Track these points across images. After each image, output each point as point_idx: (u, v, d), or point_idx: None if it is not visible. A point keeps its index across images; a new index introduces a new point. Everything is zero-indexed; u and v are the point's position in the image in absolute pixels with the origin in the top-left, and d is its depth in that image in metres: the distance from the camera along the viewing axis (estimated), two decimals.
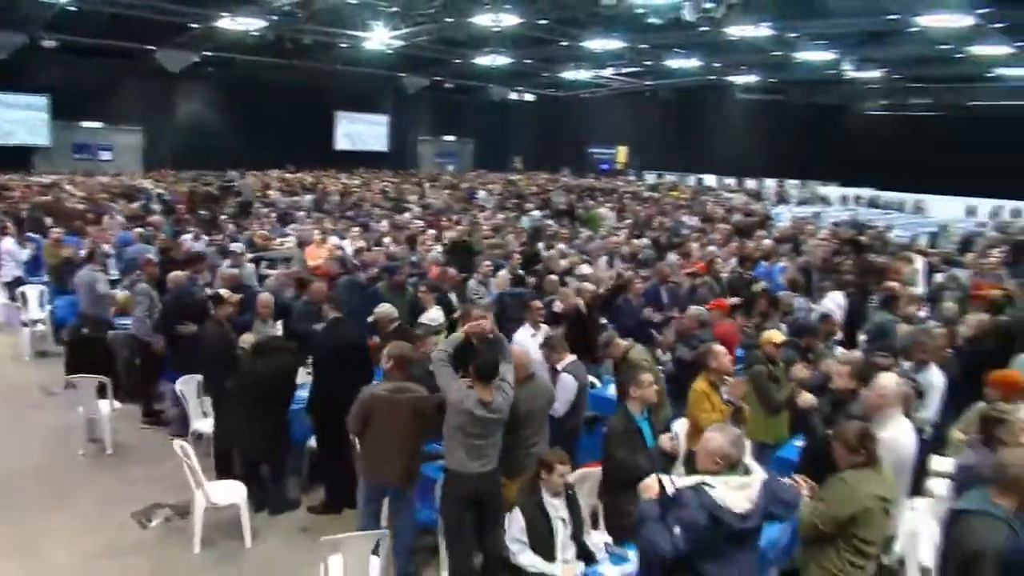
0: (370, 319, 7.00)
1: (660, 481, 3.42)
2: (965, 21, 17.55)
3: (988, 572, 2.89)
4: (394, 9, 22.11)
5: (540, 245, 12.64)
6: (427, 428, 5.37)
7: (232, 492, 5.71)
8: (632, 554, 4.26)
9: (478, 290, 9.22)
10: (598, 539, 4.92)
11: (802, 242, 14.08)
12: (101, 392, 7.12)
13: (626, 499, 4.68)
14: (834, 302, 9.12)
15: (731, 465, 3.50)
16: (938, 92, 30.52)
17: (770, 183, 32.85)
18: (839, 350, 7.31)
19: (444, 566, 5.28)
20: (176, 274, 7.91)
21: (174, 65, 26.69)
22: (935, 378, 6.10)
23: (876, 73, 28.64)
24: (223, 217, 14.40)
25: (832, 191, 31.34)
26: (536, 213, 18.42)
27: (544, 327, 7.28)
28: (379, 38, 24.26)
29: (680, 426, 5.82)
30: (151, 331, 7.75)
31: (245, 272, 9.21)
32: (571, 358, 6.12)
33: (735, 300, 8.65)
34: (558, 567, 4.54)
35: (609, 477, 4.97)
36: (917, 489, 5.26)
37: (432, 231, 13.44)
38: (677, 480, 3.46)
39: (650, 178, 37.08)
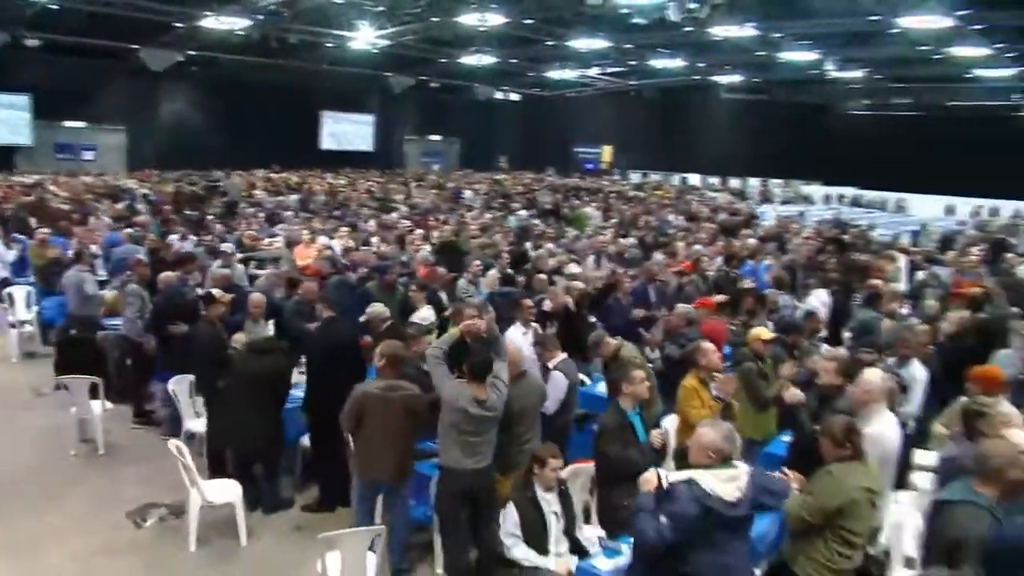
0: (362, 319, 7.05)
1: (658, 475, 3.54)
2: (945, 23, 17.82)
3: (972, 559, 2.99)
4: (380, 8, 22.12)
5: (528, 245, 12.71)
6: (419, 426, 5.45)
7: (227, 491, 5.74)
8: (625, 547, 4.34)
9: (468, 289, 9.28)
10: (591, 534, 5.01)
11: (787, 241, 14.25)
12: (93, 392, 7.11)
13: (619, 493, 4.80)
14: (819, 300, 9.28)
15: (723, 459, 3.62)
16: (919, 92, 30.93)
17: (754, 182, 33.12)
18: (824, 347, 7.44)
19: (439, 562, 5.37)
20: (167, 274, 7.91)
21: (158, 64, 26.56)
22: (918, 373, 6.25)
23: (858, 73, 28.99)
24: (210, 217, 14.36)
25: (815, 190, 31.64)
26: (523, 213, 18.50)
27: (535, 326, 7.36)
28: (365, 37, 24.26)
29: (670, 422, 5.92)
30: (142, 331, 7.75)
31: (236, 272, 9.21)
32: (562, 356, 6.21)
33: (722, 298, 8.77)
34: (551, 561, 4.62)
35: (602, 472, 5.07)
36: (901, 482, 5.38)
37: (420, 231, 13.48)
38: (671, 475, 3.57)
39: (635, 177, 37.28)
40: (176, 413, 7.15)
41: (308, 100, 34.12)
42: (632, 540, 3.85)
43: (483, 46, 27.91)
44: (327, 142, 36.81)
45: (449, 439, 4.95)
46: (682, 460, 3.89)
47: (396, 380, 5.37)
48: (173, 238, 11.86)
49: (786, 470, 4.43)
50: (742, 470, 3.64)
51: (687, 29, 20.14)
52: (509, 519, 4.67)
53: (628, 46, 26.42)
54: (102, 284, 9.64)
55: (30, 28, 22.88)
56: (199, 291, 8.05)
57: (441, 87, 37.80)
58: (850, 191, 30.53)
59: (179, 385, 6.92)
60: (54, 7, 21.01)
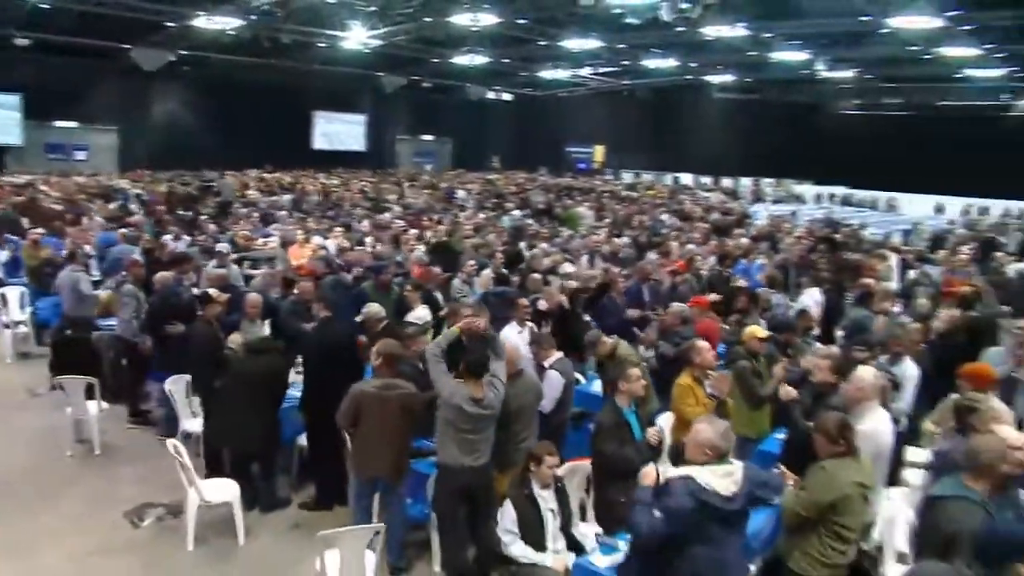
0: (359, 319, 7.08)
1: (656, 469, 3.60)
2: (935, 23, 17.94)
3: (965, 553, 3.05)
4: (372, 8, 22.09)
5: (522, 244, 12.75)
6: (416, 424, 5.48)
7: (225, 490, 5.76)
8: (622, 544, 4.39)
9: (463, 289, 9.32)
10: (587, 531, 5.05)
11: (779, 240, 14.34)
12: (89, 393, 7.12)
13: (615, 491, 4.85)
14: (811, 298, 9.37)
15: (719, 456, 3.67)
16: (909, 92, 31.11)
17: (746, 182, 33.24)
18: (817, 345, 7.51)
19: (436, 560, 5.41)
20: (163, 275, 7.91)
21: (149, 64, 26.45)
22: (910, 370, 6.32)
23: (849, 73, 29.13)
24: (203, 217, 14.34)
25: (807, 189, 31.79)
26: (516, 212, 18.54)
27: (530, 324, 7.40)
28: (357, 37, 24.22)
29: (664, 420, 5.97)
30: (138, 332, 7.75)
31: (232, 272, 9.22)
32: (558, 355, 6.25)
33: (715, 297, 8.85)
34: (549, 557, 4.66)
35: (599, 469, 5.11)
36: (893, 479, 5.45)
37: (414, 231, 13.50)
38: (668, 470, 3.62)
39: (627, 177, 37.37)
40: (172, 413, 7.16)
41: (300, 100, 34.06)
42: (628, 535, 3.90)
43: (475, 46, 27.90)
44: (319, 142, 36.75)
45: (446, 436, 5.00)
46: (677, 457, 3.94)
47: (392, 379, 5.40)
48: (167, 238, 11.85)
49: (781, 467, 4.50)
50: (737, 466, 3.70)
51: (679, 29, 20.20)
52: (507, 516, 4.71)
53: (620, 46, 26.49)
54: (96, 284, 9.61)
55: (20, 27, 22.72)
56: (195, 291, 8.05)
57: (433, 87, 37.78)
58: (841, 190, 30.69)
59: (176, 385, 6.93)
60: (45, 6, 20.86)
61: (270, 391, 6.20)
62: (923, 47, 22.00)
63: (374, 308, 7.13)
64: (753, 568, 4.43)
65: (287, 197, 19.70)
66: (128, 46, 25.32)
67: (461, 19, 21.27)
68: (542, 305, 8.09)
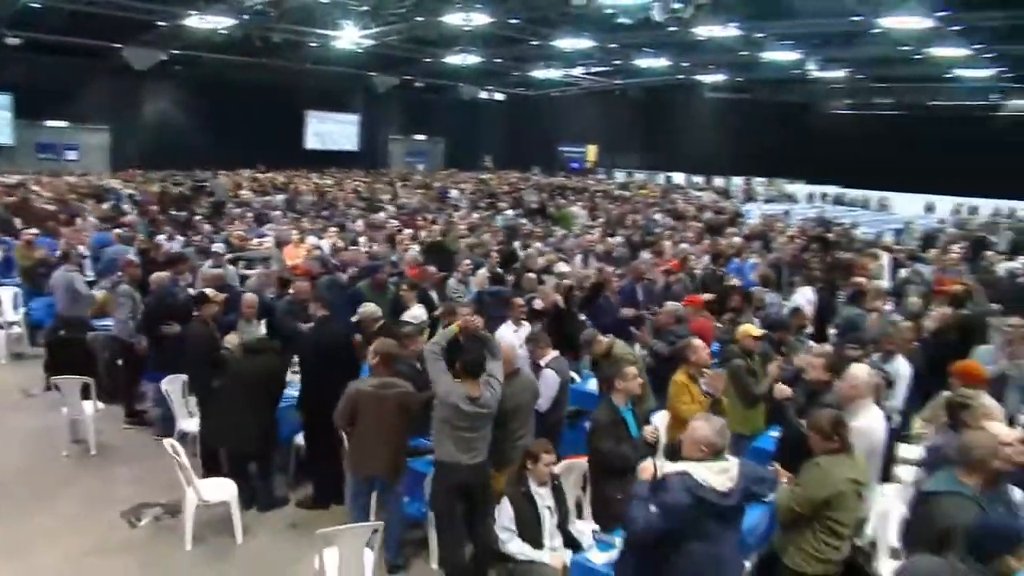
0: (355, 318, 7.10)
1: (654, 464, 3.64)
2: (925, 23, 18.06)
3: (960, 547, 3.10)
4: (364, 8, 22.09)
5: (516, 244, 12.78)
6: (412, 423, 5.51)
7: (223, 489, 5.77)
8: (618, 541, 4.42)
9: (458, 289, 9.35)
10: (584, 528, 5.09)
11: (772, 239, 14.42)
12: (84, 393, 7.11)
13: (612, 488, 4.89)
14: (804, 297, 9.45)
15: (715, 453, 3.71)
16: (900, 92, 31.30)
17: (738, 181, 33.37)
18: (810, 343, 7.58)
19: (433, 558, 5.44)
20: (159, 275, 7.91)
21: (141, 63, 26.35)
22: (902, 368, 6.38)
23: (840, 73, 29.29)
24: (197, 217, 14.33)
25: (798, 189, 31.93)
26: (510, 212, 18.58)
27: (526, 324, 7.44)
28: (349, 37, 24.20)
29: (660, 418, 6.01)
30: (133, 332, 7.74)
31: (228, 273, 9.22)
32: (554, 354, 6.29)
33: (709, 296, 8.90)
34: (546, 554, 4.70)
35: (595, 467, 5.15)
36: (886, 475, 5.51)
37: (409, 231, 13.52)
38: (666, 465, 3.67)
39: (620, 176, 37.47)
40: (168, 413, 7.18)
41: (292, 100, 34.01)
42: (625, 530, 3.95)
43: (468, 46, 27.94)
44: (312, 142, 36.71)
45: (443, 434, 5.03)
46: (674, 455, 3.98)
47: (389, 378, 5.43)
48: (160, 238, 11.84)
49: (775, 465, 4.55)
50: (733, 462, 3.75)
51: (671, 29, 20.27)
52: (504, 514, 4.74)
53: (613, 46, 26.55)
54: (91, 285, 9.60)
55: (11, 26, 22.60)
56: (192, 291, 8.06)
57: (426, 87, 37.77)
58: (833, 189, 30.84)
59: (172, 385, 6.94)
60: (36, 5, 20.81)
61: (267, 391, 6.22)
62: (914, 47, 22.13)
63: (370, 308, 7.16)
64: (748, 564, 4.48)
65: (280, 197, 19.68)
66: (119, 45, 25.22)
67: (453, 19, 21.29)
68: (537, 304, 8.13)
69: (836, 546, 4.02)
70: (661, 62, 28.79)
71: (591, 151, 41.91)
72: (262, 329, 7.61)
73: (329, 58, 28.33)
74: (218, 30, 22.88)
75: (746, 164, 33.32)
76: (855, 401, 4.83)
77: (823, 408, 4.49)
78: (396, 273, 9.66)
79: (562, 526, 4.91)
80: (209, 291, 6.98)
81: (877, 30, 19.91)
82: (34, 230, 11.46)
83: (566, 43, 25.43)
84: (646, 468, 3.76)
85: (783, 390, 5.72)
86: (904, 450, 5.79)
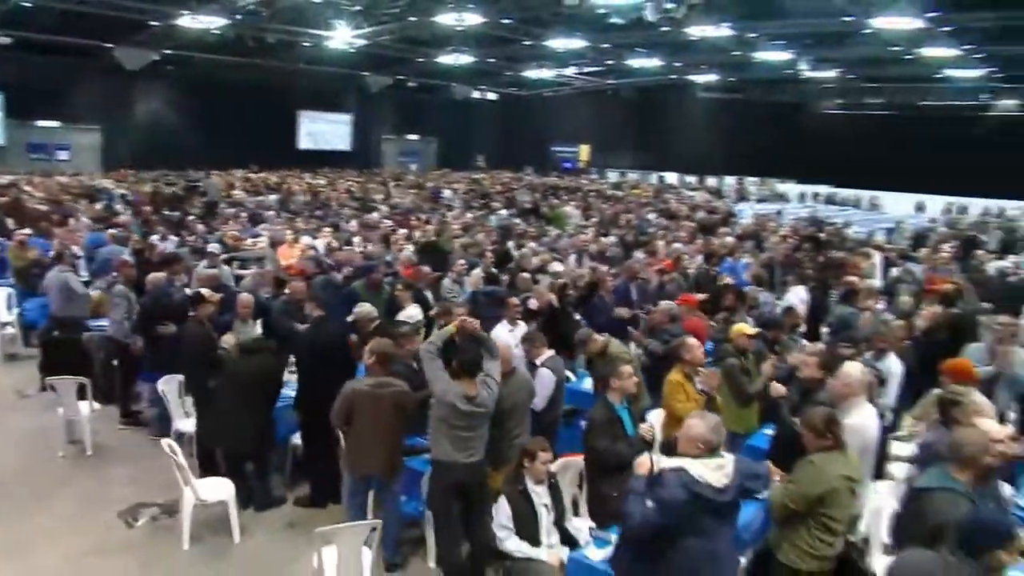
0: (351, 318, 7.12)
1: (651, 459, 3.68)
2: (915, 24, 18.18)
3: (951, 542, 3.15)
4: (357, 8, 22.08)
5: (510, 244, 12.82)
6: (408, 422, 5.54)
7: (220, 489, 5.79)
8: (615, 538, 4.46)
9: (453, 288, 9.38)
10: (580, 525, 5.13)
11: (764, 239, 14.49)
12: (81, 393, 7.12)
13: (608, 486, 4.93)
14: (797, 296, 9.52)
15: (711, 450, 3.76)
16: (891, 92, 31.45)
17: (730, 180, 33.49)
18: (803, 342, 7.63)
19: (430, 556, 5.47)
20: (155, 275, 7.91)
21: (133, 63, 26.28)
22: (894, 366, 6.45)
23: (832, 73, 29.45)
24: (191, 218, 14.32)
25: (790, 188, 32.06)
26: (504, 212, 18.62)
27: (521, 323, 7.47)
28: (342, 37, 24.20)
29: (655, 416, 6.06)
30: (129, 333, 7.74)
31: (223, 273, 9.23)
32: (549, 353, 6.32)
33: (702, 295, 8.96)
34: (543, 552, 4.73)
35: (591, 465, 5.19)
36: (879, 472, 5.56)
37: (403, 230, 13.54)
38: (662, 461, 3.72)
39: (612, 176, 37.56)
40: (163, 413, 7.20)
41: (285, 99, 33.97)
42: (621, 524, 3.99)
43: (460, 46, 27.94)
44: (304, 141, 36.69)
45: (439, 433, 5.06)
46: (669, 452, 4.03)
47: (385, 377, 5.45)
48: (153, 238, 11.83)
49: (769, 464, 4.60)
50: (729, 459, 3.80)
51: (664, 29, 20.34)
52: (501, 512, 4.77)
53: (605, 46, 26.62)
54: (85, 285, 9.58)
55: (1, 25, 22.48)
56: (187, 291, 8.07)
57: (418, 86, 37.77)
58: (824, 189, 30.97)
59: (168, 385, 6.95)
60: (27, 4, 20.68)
61: (263, 391, 6.23)
62: (904, 47, 22.28)
63: (366, 308, 7.19)
64: (744, 560, 4.53)
65: (273, 197, 19.67)
66: (111, 45, 25.14)
67: (446, 19, 21.31)
68: (532, 304, 8.16)
69: (830, 542, 4.06)
70: (654, 62, 28.87)
71: (584, 151, 41.99)
72: (258, 329, 7.63)
73: (322, 58, 28.30)
74: (210, 30, 22.83)
75: (738, 164, 33.44)
76: (848, 399, 4.88)
77: (816, 406, 4.55)
78: (391, 273, 9.68)
79: (559, 523, 4.95)
80: (205, 291, 6.99)
81: (868, 30, 20.03)
82: (27, 230, 11.43)
83: (559, 43, 25.48)
84: (643, 463, 3.80)
85: (778, 388, 5.77)
86: (896, 447, 5.84)
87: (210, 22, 21.74)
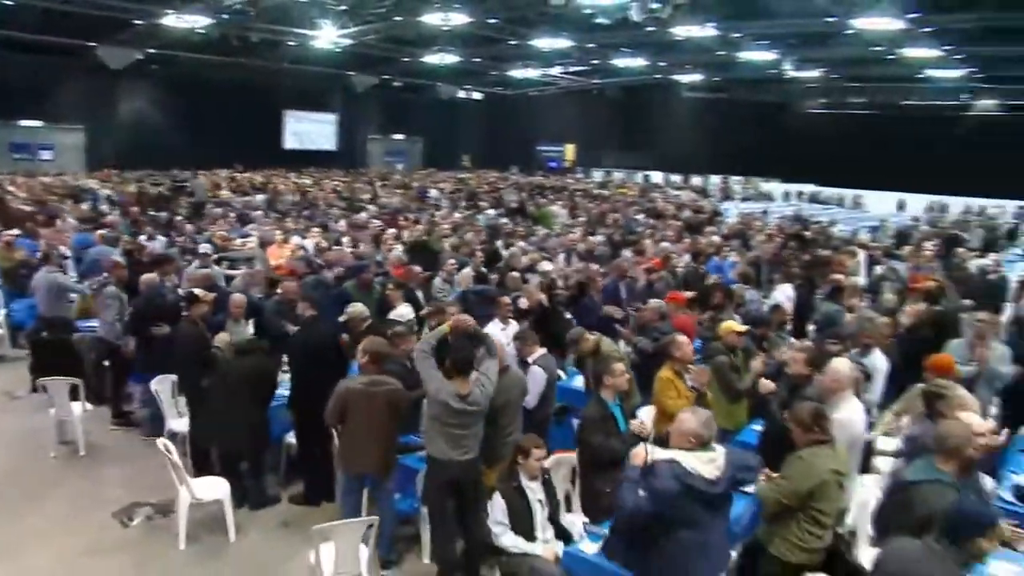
0: (343, 318, 7.16)
1: (646, 450, 3.77)
2: (897, 25, 18.42)
3: (937, 531, 3.25)
4: (343, 7, 22.07)
5: (499, 243, 12.89)
6: (401, 420, 5.59)
7: (216, 488, 5.81)
8: (608, 530, 4.54)
9: (444, 288, 9.42)
10: (574, 520, 5.20)
11: (750, 237, 14.64)
12: (73, 394, 7.11)
13: (601, 481, 5.01)
14: (784, 294, 9.65)
15: (703, 443, 3.85)
16: (873, 92, 31.81)
17: (715, 179, 33.72)
18: (791, 339, 7.75)
19: (425, 553, 5.53)
20: (149, 276, 7.91)
21: (116, 62, 26.16)
22: (879, 362, 6.57)
23: (815, 73, 29.73)
24: (178, 218, 14.28)
25: (775, 187, 32.33)
26: (491, 212, 18.68)
27: (512, 322, 7.54)
28: (327, 36, 24.19)
29: (645, 413, 6.14)
30: (121, 334, 7.74)
31: (215, 273, 9.24)
32: (541, 351, 6.39)
33: (690, 293, 9.05)
34: (539, 547, 4.80)
35: (585, 461, 5.26)
36: (865, 466, 5.67)
37: (392, 230, 13.57)
38: (657, 452, 3.81)
39: (597, 175, 37.71)
40: (155, 413, 7.19)
41: (270, 99, 33.89)
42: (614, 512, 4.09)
43: (446, 45, 28.00)
44: (290, 141, 36.62)
45: (433, 430, 5.11)
46: (660, 448, 4.11)
47: (379, 376, 5.50)
48: (140, 239, 11.80)
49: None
50: (720, 452, 3.89)
51: (649, 29, 20.48)
52: (497, 508, 4.84)
53: (591, 45, 26.75)
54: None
55: None
56: (181, 291, 8.08)
57: (404, 86, 37.77)
58: (808, 188, 31.27)
59: (161, 385, 6.95)
60: (8, 3, 20.54)
61: (258, 391, 6.25)
62: (886, 48, 22.56)
63: (358, 308, 7.22)
64: (734, 554, 4.62)
65: (260, 197, 19.63)
66: (94, 44, 24.98)
67: (432, 18, 21.36)
68: (523, 303, 8.23)
69: (819, 535, 4.15)
70: (639, 62, 29.03)
71: (569, 150, 42.14)
72: (250, 329, 7.65)
73: (307, 57, 28.27)
74: (195, 29, 22.74)
75: (723, 163, 33.70)
76: (837, 394, 4.98)
77: (804, 401, 4.64)
78: (381, 273, 9.72)
79: (553, 519, 5.02)
80: (199, 291, 7.00)
81: (850, 31, 20.27)
82: (14, 231, 11.37)
83: (544, 43, 25.58)
84: (638, 454, 3.89)
85: (767, 384, 5.87)
86: (882, 442, 5.96)
87: (194, 21, 21.68)
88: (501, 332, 7.18)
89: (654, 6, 17.60)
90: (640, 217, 18.37)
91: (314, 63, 29.25)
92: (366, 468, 5.46)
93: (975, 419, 4.32)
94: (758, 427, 6.04)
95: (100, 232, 11.47)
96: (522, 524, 4.82)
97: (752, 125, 32.91)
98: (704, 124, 35.99)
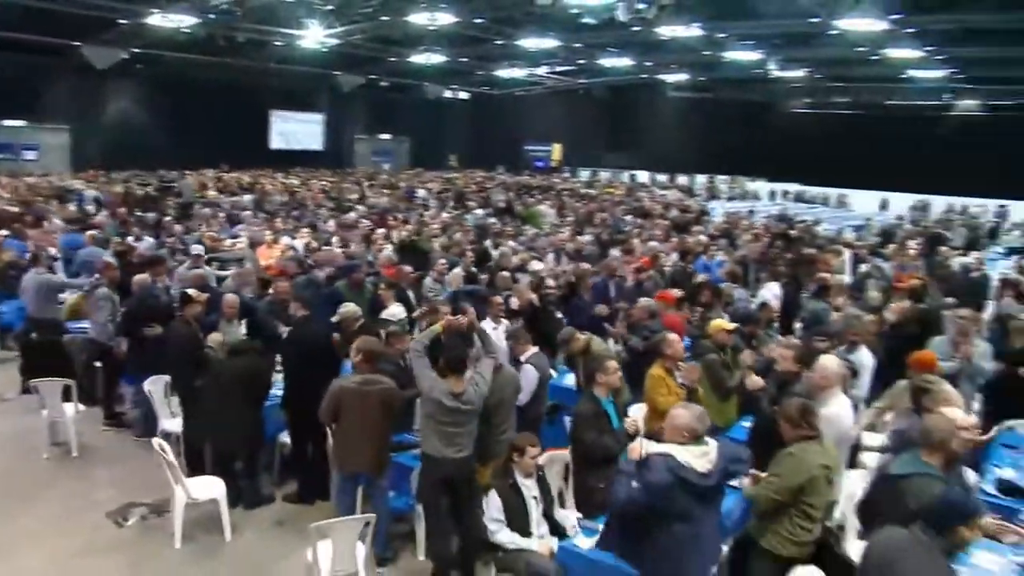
0: (335, 318, 7.20)
1: (641, 444, 3.88)
2: (879, 26, 18.62)
3: (922, 521, 3.33)
4: (329, 7, 22.05)
5: (488, 243, 12.94)
6: (395, 419, 5.64)
7: (211, 488, 5.84)
8: (602, 527, 4.62)
9: (435, 288, 9.46)
10: (567, 516, 5.27)
11: (737, 236, 14.77)
12: (65, 395, 7.11)
13: (595, 478, 5.09)
14: (771, 292, 9.77)
15: (696, 438, 3.94)
16: (857, 91, 32.09)
17: (701, 179, 33.92)
18: (779, 336, 7.86)
19: (420, 550, 5.59)
20: (141, 277, 7.92)
21: (101, 62, 26.00)
22: (866, 359, 6.69)
23: (800, 73, 29.96)
24: (167, 218, 14.25)
25: (761, 186, 32.55)
26: (479, 211, 18.73)
27: (504, 321, 7.61)
28: (314, 36, 24.16)
29: (636, 411, 6.22)
30: (112, 335, 7.73)
31: (207, 273, 9.24)
32: (533, 350, 6.45)
33: (678, 292, 9.14)
34: (534, 542, 4.87)
35: (578, 457, 5.34)
36: (852, 461, 5.78)
37: (381, 230, 13.60)
38: (651, 446, 3.90)
39: (584, 175, 37.83)
40: (148, 414, 7.20)
41: (256, 99, 33.78)
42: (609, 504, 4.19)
43: (433, 45, 28.02)
44: (276, 141, 36.52)
45: (428, 428, 5.17)
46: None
47: (372, 375, 5.55)
48: (128, 239, 11.76)
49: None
50: (712, 445, 4.00)
51: (635, 29, 20.61)
52: (492, 505, 4.90)
53: (577, 45, 26.85)
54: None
55: None
56: (172, 292, 8.09)
57: (391, 86, 37.73)
58: (793, 187, 31.51)
59: (154, 385, 6.96)
60: None
61: (251, 391, 6.28)
62: (869, 48, 22.79)
63: (351, 308, 7.25)
64: (724, 548, 4.70)
65: (248, 197, 19.59)
66: (79, 43, 24.81)
67: (418, 18, 21.39)
68: (513, 303, 8.29)
69: (809, 529, 4.23)
70: (625, 62, 29.16)
71: (556, 150, 42.25)
72: (243, 329, 7.67)
73: (294, 57, 28.21)
74: (181, 29, 22.63)
75: (709, 162, 33.90)
76: (825, 390, 5.08)
77: (793, 398, 4.73)
78: (373, 272, 9.76)
79: (547, 515, 5.08)
80: (192, 291, 7.03)
81: (834, 31, 20.45)
82: (2, 232, 11.31)
83: (531, 42, 25.65)
84: (634, 448, 3.99)
85: (755, 381, 5.96)
86: (868, 437, 6.06)
87: (180, 21, 21.58)
88: (493, 331, 7.22)
89: (640, 6, 17.71)
90: (628, 217, 18.47)
91: (300, 63, 29.19)
92: (360, 467, 5.50)
93: (959, 414, 4.42)
94: (747, 423, 6.13)
95: (90, 233, 11.44)
96: (518, 520, 4.88)
97: (738, 125, 33.13)
98: (690, 124, 36.19)
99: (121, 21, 22.74)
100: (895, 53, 23.01)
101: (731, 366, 6.43)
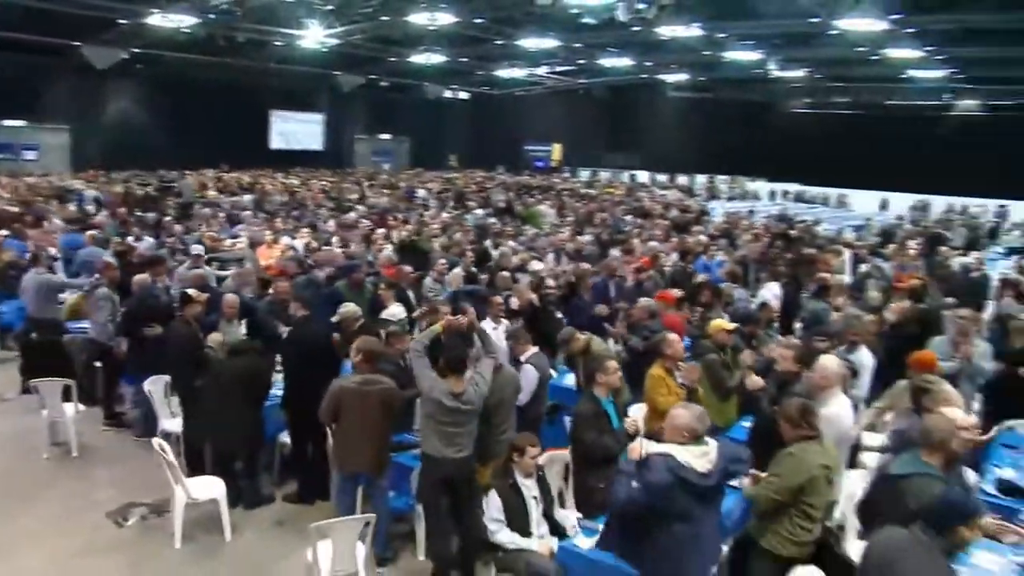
0: (335, 318, 7.20)
1: (642, 444, 3.89)
2: (879, 26, 18.62)
3: (922, 521, 3.34)
4: (329, 7, 22.06)
5: (488, 243, 12.95)
6: (395, 419, 5.64)
7: (211, 487, 5.84)
8: (602, 527, 4.62)
9: (435, 288, 9.46)
10: (567, 515, 5.27)
11: (737, 236, 14.77)
12: (65, 395, 7.11)
13: (595, 478, 5.09)
14: (771, 292, 9.76)
15: (696, 438, 3.95)
16: (857, 91, 32.09)
17: (701, 179, 33.92)
18: (778, 336, 7.86)
19: (420, 550, 5.59)
20: (141, 277, 7.92)
21: (101, 62, 25.99)
22: (866, 359, 6.69)
23: (800, 73, 29.97)
24: (167, 218, 14.25)
25: (760, 186, 32.55)
26: (479, 211, 18.73)
27: (504, 321, 7.61)
28: (314, 36, 24.17)
29: (635, 411, 6.22)
30: (113, 335, 7.73)
31: (207, 273, 9.24)
32: (533, 350, 6.45)
33: (679, 292, 9.15)
34: (534, 542, 4.87)
35: (578, 457, 5.34)
36: (852, 461, 5.78)
37: (381, 230, 13.61)
38: (651, 446, 3.90)
39: (584, 175, 37.83)
40: (148, 414, 7.20)
41: (256, 99, 33.79)
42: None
43: (433, 45, 28.02)
44: (276, 141, 36.53)
45: (428, 428, 5.17)
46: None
47: (372, 374, 5.55)
48: (128, 239, 11.77)
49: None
50: (712, 445, 4.00)
51: (635, 29, 20.61)
52: (492, 505, 4.90)
53: (577, 45, 26.85)
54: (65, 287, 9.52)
55: None
56: (172, 292, 8.08)
57: (391, 86, 37.73)
58: (793, 187, 31.50)
59: (154, 385, 6.97)
60: None
61: (252, 391, 6.28)
62: (869, 48, 22.79)
63: (351, 308, 7.25)
64: (724, 548, 4.70)
65: (248, 197, 19.59)
66: (79, 43, 24.81)
67: (418, 18, 21.40)
68: (513, 304, 8.29)
69: (809, 529, 4.23)
70: (625, 62, 29.16)
71: (556, 150, 42.25)
72: (243, 329, 7.67)
73: (294, 57, 28.22)
74: (181, 29, 22.64)
75: (709, 162, 33.90)
76: (825, 390, 5.08)
77: (793, 398, 4.73)
78: (373, 272, 9.76)
79: (547, 515, 5.08)
80: (193, 291, 7.03)
81: (834, 31, 20.45)
82: (2, 232, 11.31)
83: (531, 42, 25.65)
84: (634, 448, 4.00)
85: (755, 381, 5.96)
86: (868, 437, 6.07)
87: (180, 21, 21.59)
88: (493, 331, 7.22)
89: (640, 6, 17.72)
90: (628, 217, 18.47)
91: (300, 63, 29.19)
92: (360, 467, 5.50)
93: (959, 414, 4.42)
94: (747, 423, 6.13)
95: (90, 233, 11.44)
96: (518, 520, 4.88)
97: (737, 125, 33.13)
98: (690, 124, 36.19)
99: (121, 21, 22.75)
100: (895, 53, 23.02)
101: (731, 366, 6.43)
